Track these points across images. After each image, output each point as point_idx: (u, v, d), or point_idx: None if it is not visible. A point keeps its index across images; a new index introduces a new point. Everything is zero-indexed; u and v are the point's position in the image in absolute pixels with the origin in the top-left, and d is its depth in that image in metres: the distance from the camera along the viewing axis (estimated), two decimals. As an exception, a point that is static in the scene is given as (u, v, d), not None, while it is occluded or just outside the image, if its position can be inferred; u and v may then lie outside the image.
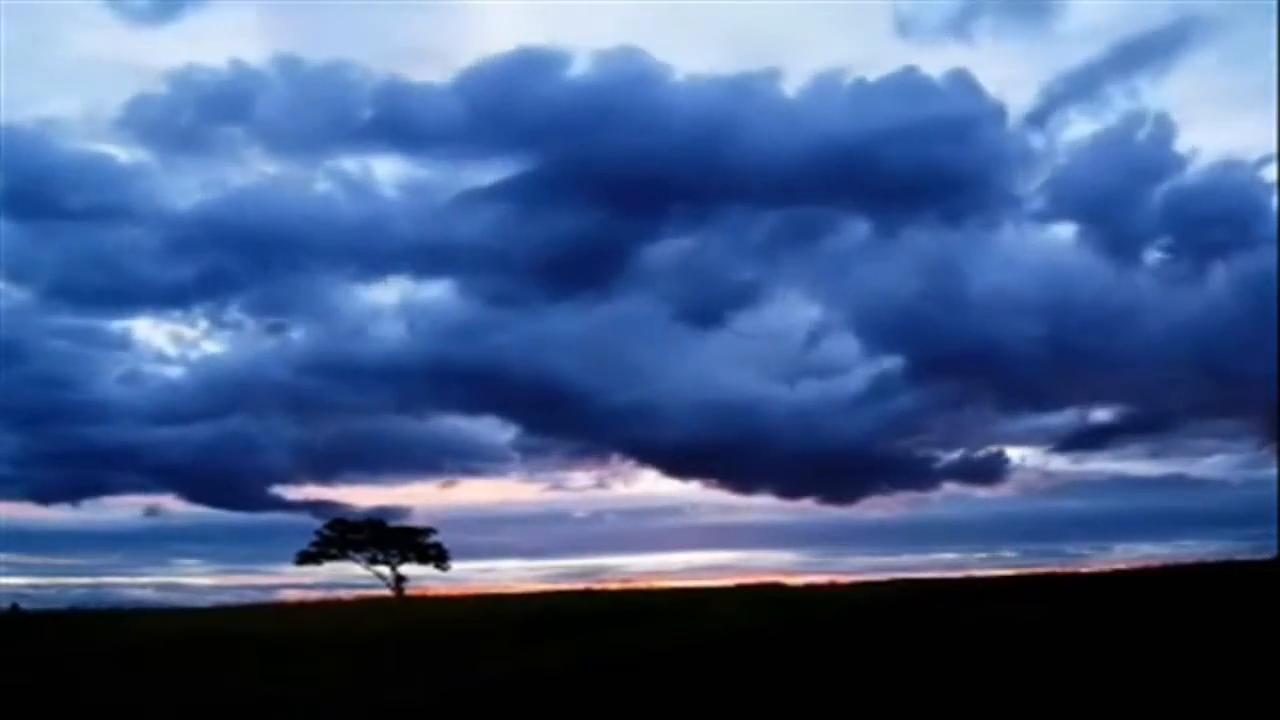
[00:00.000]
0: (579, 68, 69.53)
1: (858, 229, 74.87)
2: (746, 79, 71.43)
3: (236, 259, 75.23)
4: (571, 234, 72.35)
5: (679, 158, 68.29)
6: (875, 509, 79.91)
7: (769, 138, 68.05)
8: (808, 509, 79.72)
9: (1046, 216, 73.24)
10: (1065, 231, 75.64)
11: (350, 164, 79.00)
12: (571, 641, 20.02)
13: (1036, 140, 75.02)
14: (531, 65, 69.23)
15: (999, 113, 71.21)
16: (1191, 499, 77.42)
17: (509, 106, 69.43)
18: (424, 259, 77.37)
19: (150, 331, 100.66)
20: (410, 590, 54.53)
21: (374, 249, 75.03)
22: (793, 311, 76.52)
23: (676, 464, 74.60)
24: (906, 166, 67.46)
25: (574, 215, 73.76)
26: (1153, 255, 70.28)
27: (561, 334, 74.43)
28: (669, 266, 76.39)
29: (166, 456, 73.36)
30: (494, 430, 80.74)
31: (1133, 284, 69.92)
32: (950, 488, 76.73)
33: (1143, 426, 76.14)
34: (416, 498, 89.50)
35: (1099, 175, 69.97)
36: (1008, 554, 76.65)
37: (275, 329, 77.75)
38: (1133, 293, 69.59)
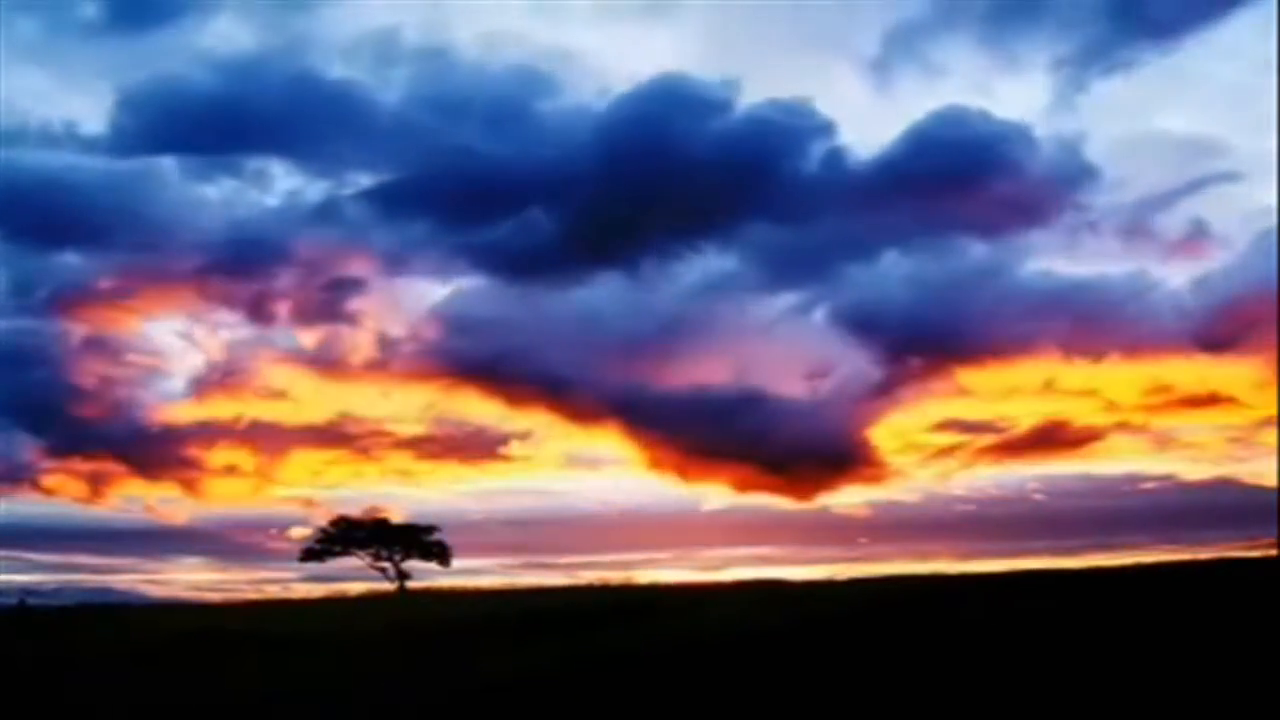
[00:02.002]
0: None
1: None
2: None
3: (238, 259, 75.44)
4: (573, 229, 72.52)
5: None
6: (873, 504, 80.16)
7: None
8: (811, 507, 79.78)
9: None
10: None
11: (358, 168, 79.01)
12: (571, 640, 20.16)
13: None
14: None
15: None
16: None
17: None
18: (427, 254, 77.50)
19: (155, 331, 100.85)
20: (413, 587, 54.74)
21: (376, 246, 75.26)
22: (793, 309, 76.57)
23: (678, 462, 74.66)
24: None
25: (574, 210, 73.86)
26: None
27: (559, 326, 74.55)
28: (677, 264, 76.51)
29: (170, 454, 73.78)
30: (496, 427, 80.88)
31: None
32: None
33: (1127, 425, 76.23)
34: (419, 495, 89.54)
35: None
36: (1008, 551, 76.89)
37: (277, 324, 78.04)
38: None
